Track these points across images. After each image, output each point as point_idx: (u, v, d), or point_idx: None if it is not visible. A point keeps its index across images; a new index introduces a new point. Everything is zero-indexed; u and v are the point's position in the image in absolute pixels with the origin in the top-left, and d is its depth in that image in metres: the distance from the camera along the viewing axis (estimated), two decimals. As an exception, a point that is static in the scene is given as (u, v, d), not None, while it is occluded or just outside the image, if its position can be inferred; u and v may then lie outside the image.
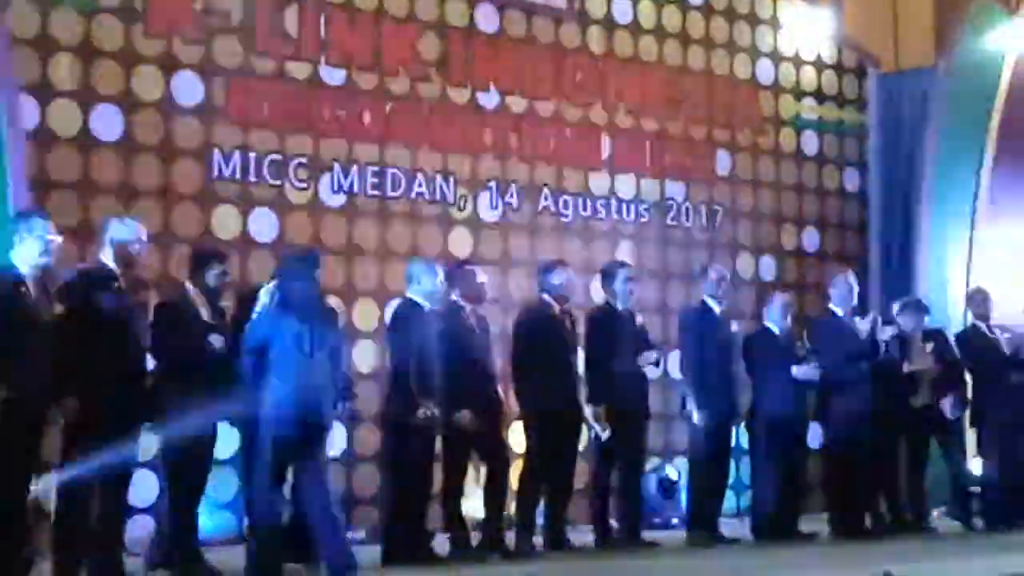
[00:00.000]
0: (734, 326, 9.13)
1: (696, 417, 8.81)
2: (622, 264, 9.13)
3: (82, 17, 8.57)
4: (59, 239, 6.50)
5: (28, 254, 6.32)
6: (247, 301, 7.26)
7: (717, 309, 8.99)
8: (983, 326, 10.05)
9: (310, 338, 6.56)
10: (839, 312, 9.32)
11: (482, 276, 8.26)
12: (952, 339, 10.02)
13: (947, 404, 9.65)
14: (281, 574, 6.62)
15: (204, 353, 6.74)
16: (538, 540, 8.22)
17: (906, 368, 9.48)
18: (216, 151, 9.06)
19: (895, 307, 9.90)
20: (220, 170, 9.08)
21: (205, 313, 7.00)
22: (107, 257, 6.54)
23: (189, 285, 7.12)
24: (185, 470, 6.91)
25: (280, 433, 6.60)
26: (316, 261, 7.21)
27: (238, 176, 9.17)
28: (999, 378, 9.81)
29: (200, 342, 6.74)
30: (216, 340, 6.72)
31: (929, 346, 9.69)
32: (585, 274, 9.41)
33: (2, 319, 6.20)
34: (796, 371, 8.89)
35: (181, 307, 7.03)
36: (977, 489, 10.08)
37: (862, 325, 9.23)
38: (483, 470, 8.17)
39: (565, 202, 10.65)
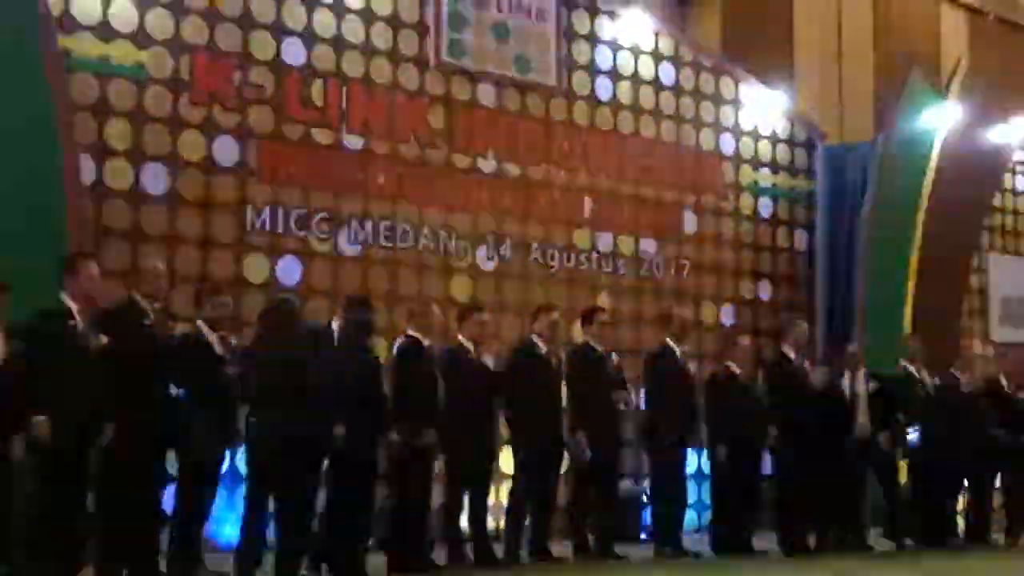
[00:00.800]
0: (692, 366, 9.13)
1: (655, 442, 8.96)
2: (599, 309, 9.18)
3: (135, 86, 8.68)
4: (99, 279, 6.63)
5: (78, 292, 6.41)
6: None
7: (678, 351, 8.99)
8: (913, 369, 10.10)
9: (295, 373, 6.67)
10: (791, 355, 9.34)
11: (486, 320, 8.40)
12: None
13: (883, 438, 9.69)
14: None
15: (220, 382, 6.81)
16: (523, 552, 8.24)
17: (857, 431, 9.58)
18: (249, 206, 9.14)
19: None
20: (252, 223, 9.16)
21: (217, 344, 7.03)
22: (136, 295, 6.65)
23: (200, 322, 7.11)
24: (198, 487, 6.91)
25: (261, 461, 6.77)
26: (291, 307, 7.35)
27: (268, 228, 9.24)
28: (925, 415, 9.93)
29: (216, 372, 6.80)
30: (231, 369, 6.82)
31: (872, 384, 9.75)
32: (568, 318, 9.39)
33: (54, 351, 6.25)
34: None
35: (199, 341, 7.02)
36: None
37: (820, 376, 9.39)
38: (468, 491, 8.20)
39: (552, 255, 10.70)
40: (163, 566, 6.77)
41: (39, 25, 7.77)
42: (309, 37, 9.55)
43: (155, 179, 8.71)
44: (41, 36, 7.78)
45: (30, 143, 7.59)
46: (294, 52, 9.48)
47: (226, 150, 9.07)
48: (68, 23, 8.30)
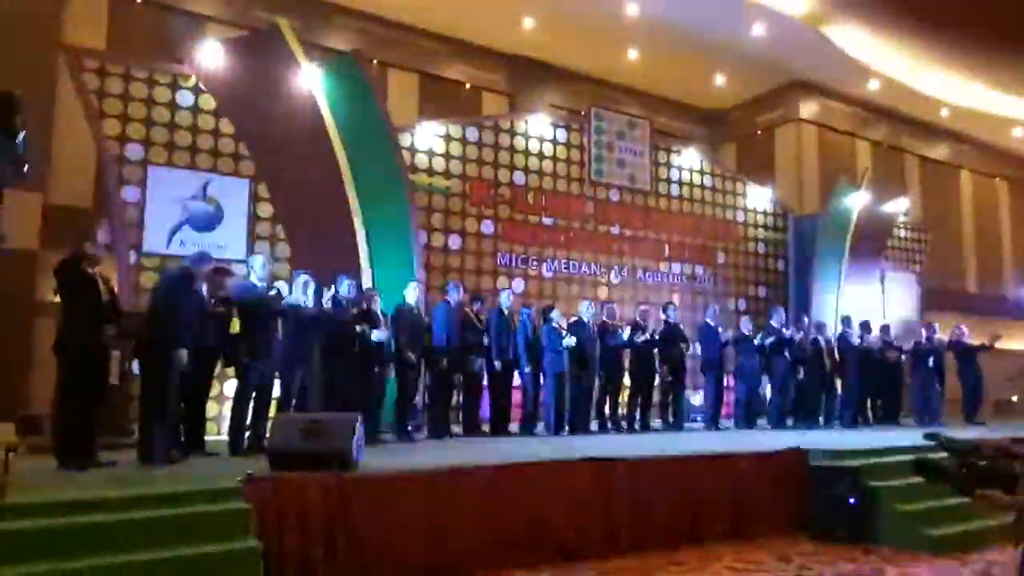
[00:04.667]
0: (722, 331, 8.94)
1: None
2: (671, 303, 9.08)
3: (443, 197, 9.07)
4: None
5: (410, 295, 6.75)
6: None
7: (713, 323, 8.88)
8: (848, 332, 9.68)
9: None
10: (775, 325, 9.10)
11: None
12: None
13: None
14: None
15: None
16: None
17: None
18: (499, 253, 9.40)
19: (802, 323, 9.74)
20: (502, 261, 9.41)
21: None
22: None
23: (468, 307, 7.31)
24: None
25: None
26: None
27: (508, 264, 9.45)
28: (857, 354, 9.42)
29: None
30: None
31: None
32: (657, 307, 9.40)
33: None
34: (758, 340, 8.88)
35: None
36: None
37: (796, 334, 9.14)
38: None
39: (649, 275, 10.65)
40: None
41: (402, 169, 8.16)
42: (522, 170, 9.72)
43: (452, 241, 9.03)
44: (402, 174, 8.14)
45: (398, 224, 7.91)
46: (518, 177, 9.67)
47: (488, 226, 9.34)
48: (411, 168, 8.68)
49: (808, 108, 13.95)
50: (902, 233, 13.34)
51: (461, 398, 7.36)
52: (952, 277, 15.84)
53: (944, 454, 2.36)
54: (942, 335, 10.21)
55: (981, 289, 16.49)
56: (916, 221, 14.06)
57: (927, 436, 2.60)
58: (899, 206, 12.80)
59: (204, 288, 5.13)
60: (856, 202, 11.84)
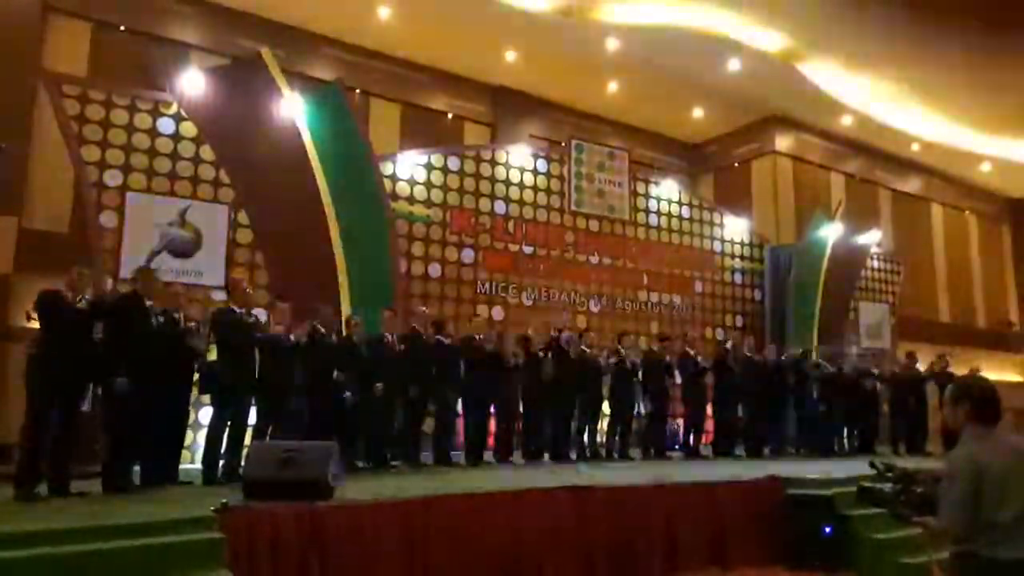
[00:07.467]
0: (701, 361, 8.92)
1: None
2: (666, 337, 9.08)
3: (424, 226, 9.10)
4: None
5: (382, 322, 6.66)
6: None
7: (692, 352, 8.89)
8: (818, 360, 9.73)
9: None
10: (749, 354, 9.14)
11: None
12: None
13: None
14: None
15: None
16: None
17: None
18: (479, 281, 9.39)
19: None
20: (481, 289, 9.41)
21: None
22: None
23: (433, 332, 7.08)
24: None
25: None
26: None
27: (488, 292, 9.44)
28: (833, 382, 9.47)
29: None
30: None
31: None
32: (636, 336, 9.42)
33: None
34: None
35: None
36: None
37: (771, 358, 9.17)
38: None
39: (627, 304, 10.67)
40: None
41: (383, 197, 8.23)
42: (504, 200, 9.75)
43: (432, 269, 9.02)
44: (384, 202, 8.21)
45: (378, 252, 7.94)
46: (499, 207, 9.71)
47: (468, 255, 9.34)
48: (392, 196, 8.71)
49: (784, 141, 14.22)
50: (875, 264, 13.56)
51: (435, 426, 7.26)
52: (925, 307, 16.11)
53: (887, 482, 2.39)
54: (923, 364, 10.29)
55: (953, 319, 16.77)
56: (889, 252, 14.31)
57: (870, 463, 2.64)
58: (872, 237, 13.04)
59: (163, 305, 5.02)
60: (830, 233, 12.03)
